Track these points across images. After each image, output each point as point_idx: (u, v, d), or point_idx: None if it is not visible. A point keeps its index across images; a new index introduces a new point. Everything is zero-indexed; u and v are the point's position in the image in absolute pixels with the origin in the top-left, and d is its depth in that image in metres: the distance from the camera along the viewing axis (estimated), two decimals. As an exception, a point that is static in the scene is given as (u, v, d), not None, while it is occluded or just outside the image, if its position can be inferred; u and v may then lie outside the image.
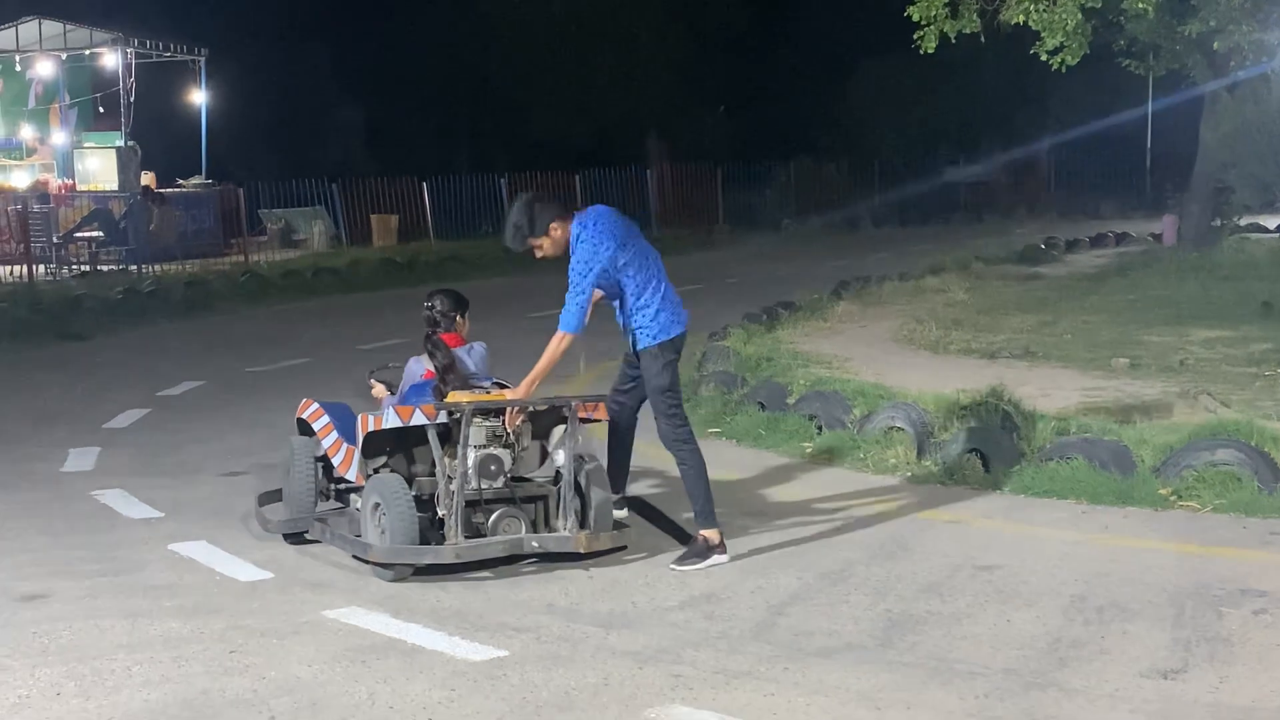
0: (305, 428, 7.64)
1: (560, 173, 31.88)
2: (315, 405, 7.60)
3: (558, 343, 6.90)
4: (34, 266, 22.21)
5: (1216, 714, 4.75)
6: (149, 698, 5.13)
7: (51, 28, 27.39)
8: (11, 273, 22.03)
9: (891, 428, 9.08)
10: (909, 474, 8.65)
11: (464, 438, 6.78)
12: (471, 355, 7.36)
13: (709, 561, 6.88)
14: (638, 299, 7.02)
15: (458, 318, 7.42)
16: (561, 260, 7.07)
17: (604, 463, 7.24)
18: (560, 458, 7.08)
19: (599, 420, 7.29)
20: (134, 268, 23.65)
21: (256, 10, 37.99)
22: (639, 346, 7.07)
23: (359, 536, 6.96)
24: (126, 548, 7.42)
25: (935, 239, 27.55)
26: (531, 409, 7.06)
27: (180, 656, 5.59)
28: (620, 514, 7.28)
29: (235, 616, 6.13)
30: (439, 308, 7.37)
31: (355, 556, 6.94)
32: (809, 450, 9.46)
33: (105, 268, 23.99)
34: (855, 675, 5.23)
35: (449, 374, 7.18)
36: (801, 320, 15.24)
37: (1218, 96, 22.63)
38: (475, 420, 6.85)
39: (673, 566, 6.85)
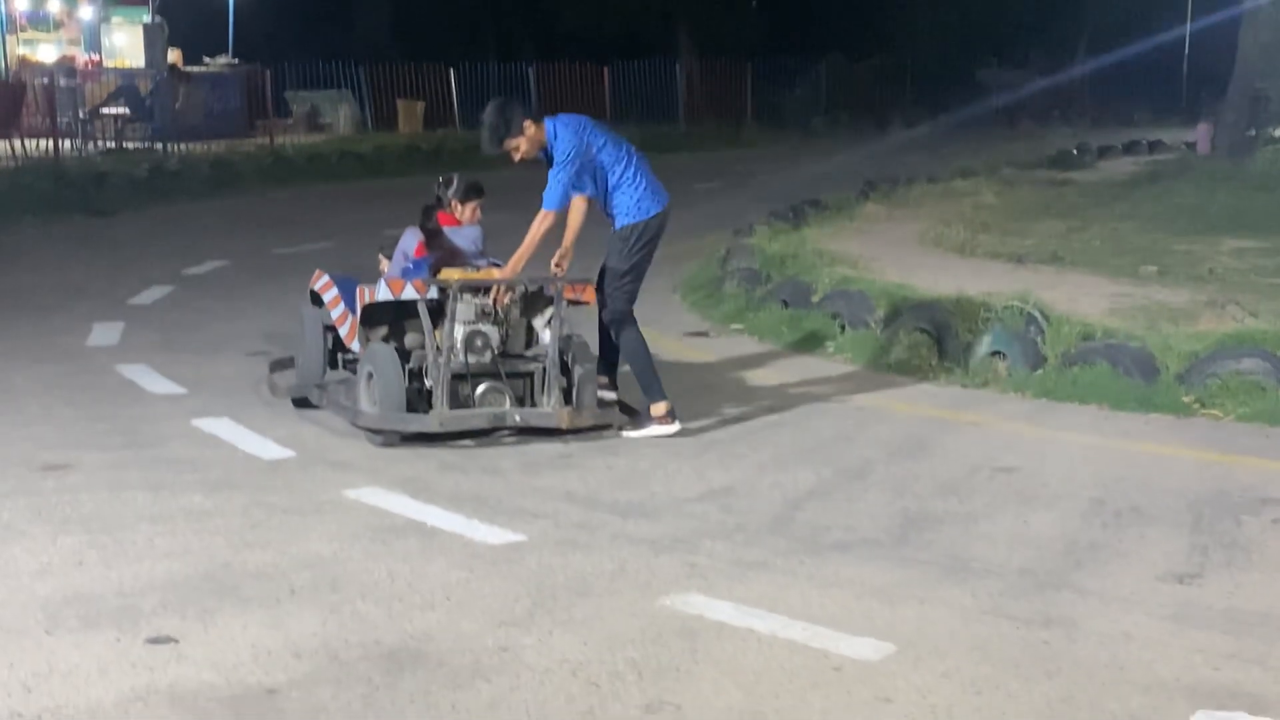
0: (316, 299, 7.90)
1: (588, 64, 31.57)
2: (326, 277, 7.84)
3: (540, 221, 7.19)
4: (60, 141, 22.15)
5: (1230, 619, 4.77)
6: (171, 568, 5.18)
7: (81, -99, 27.14)
8: (38, 146, 21.98)
9: (915, 328, 9.05)
10: (931, 375, 8.63)
11: (451, 313, 7.04)
12: (464, 234, 7.60)
13: (650, 430, 7.25)
14: (616, 181, 7.31)
15: (456, 201, 7.65)
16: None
17: (592, 344, 7.49)
18: (546, 336, 7.35)
19: (586, 303, 7.48)
20: (159, 146, 23.58)
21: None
22: (615, 228, 7.39)
23: (355, 404, 7.23)
24: (150, 422, 7.47)
25: (966, 142, 27.26)
26: (522, 289, 7.36)
27: (202, 529, 5.63)
28: (608, 395, 7.48)
29: (257, 493, 6.17)
30: (445, 188, 7.68)
31: (356, 425, 7.16)
32: (832, 349, 9.44)
33: (131, 145, 23.94)
34: (870, 570, 5.25)
35: (436, 241, 7.47)
36: (828, 220, 15.13)
37: (1258, 4, 22.23)
38: (464, 297, 7.17)
39: (623, 432, 7.24)
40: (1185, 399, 7.69)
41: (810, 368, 9.09)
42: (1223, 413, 7.53)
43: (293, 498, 6.11)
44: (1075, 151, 24.59)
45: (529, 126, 7.27)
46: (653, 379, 7.36)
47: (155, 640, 4.50)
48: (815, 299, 10.15)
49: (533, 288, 7.44)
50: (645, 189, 7.39)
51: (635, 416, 7.43)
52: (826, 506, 6.08)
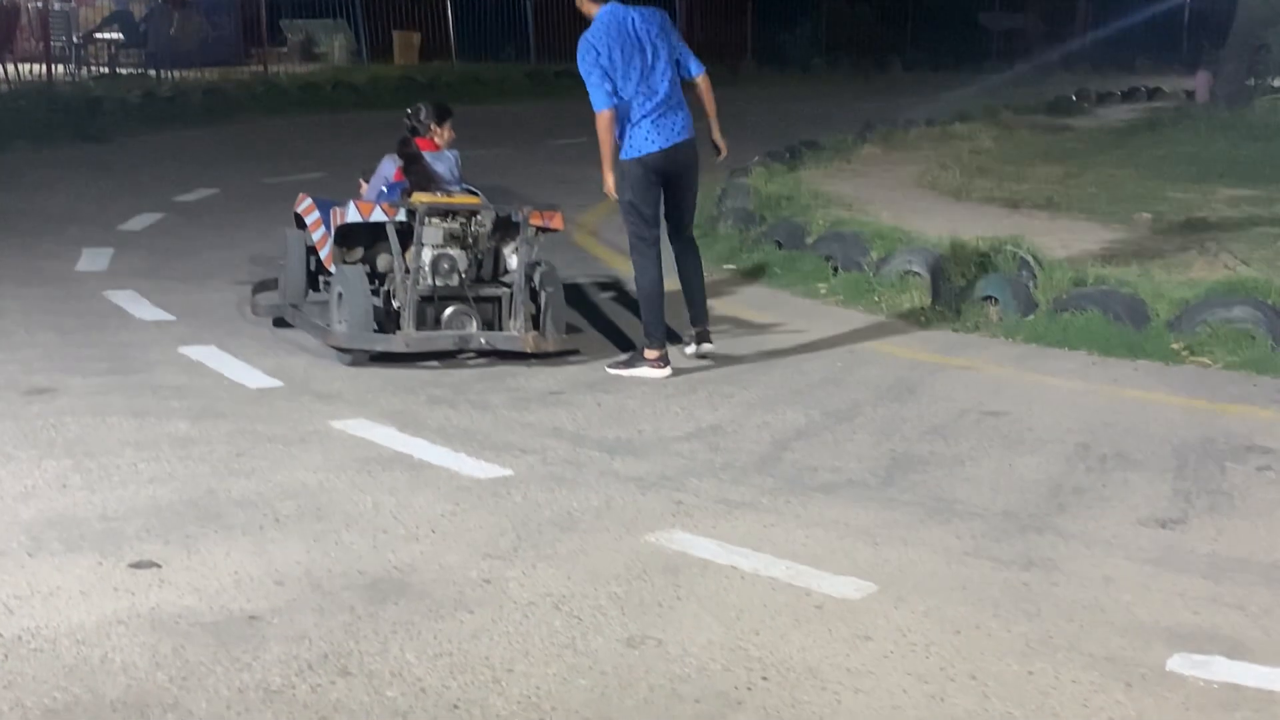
0: (300, 222, 8.10)
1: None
2: (309, 200, 8.05)
3: (598, 123, 7.19)
4: (53, 66, 21.98)
5: (1213, 563, 4.78)
6: (154, 494, 5.18)
7: None
8: (31, 71, 21.82)
9: (908, 271, 9.03)
10: (923, 319, 8.62)
11: (418, 236, 7.23)
12: (442, 160, 7.79)
13: (636, 370, 7.27)
14: (626, 113, 7.28)
15: (433, 125, 7.84)
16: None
17: (557, 269, 7.70)
18: (514, 262, 7.50)
19: (555, 229, 7.69)
20: (153, 72, 23.40)
21: None
22: (621, 157, 7.38)
23: (328, 325, 7.45)
24: (137, 348, 7.45)
25: (966, 85, 27.10)
26: (492, 214, 7.55)
27: (187, 456, 5.63)
28: (708, 347, 7.57)
29: (243, 421, 6.16)
30: (419, 115, 7.84)
31: (325, 343, 7.37)
32: (824, 290, 9.42)
33: (124, 70, 23.75)
34: (855, 510, 5.26)
35: (414, 172, 7.63)
36: (824, 161, 15.08)
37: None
38: (432, 221, 7.32)
39: (607, 368, 7.32)
40: (1174, 346, 7.69)
41: (802, 309, 9.07)
42: (1211, 360, 7.53)
43: (279, 427, 6.10)
44: (1074, 97, 24.50)
45: (585, 4, 7.45)
46: (655, 320, 7.32)
47: (138, 565, 4.51)
48: (809, 240, 10.12)
49: (501, 214, 7.60)
50: (646, 131, 7.30)
51: (630, 353, 7.43)
52: (814, 447, 6.09)
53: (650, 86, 7.31)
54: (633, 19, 7.34)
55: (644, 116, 7.30)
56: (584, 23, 7.47)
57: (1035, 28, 39.40)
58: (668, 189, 7.46)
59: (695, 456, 5.92)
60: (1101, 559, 4.81)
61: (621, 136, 7.30)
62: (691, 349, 7.62)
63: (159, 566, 4.50)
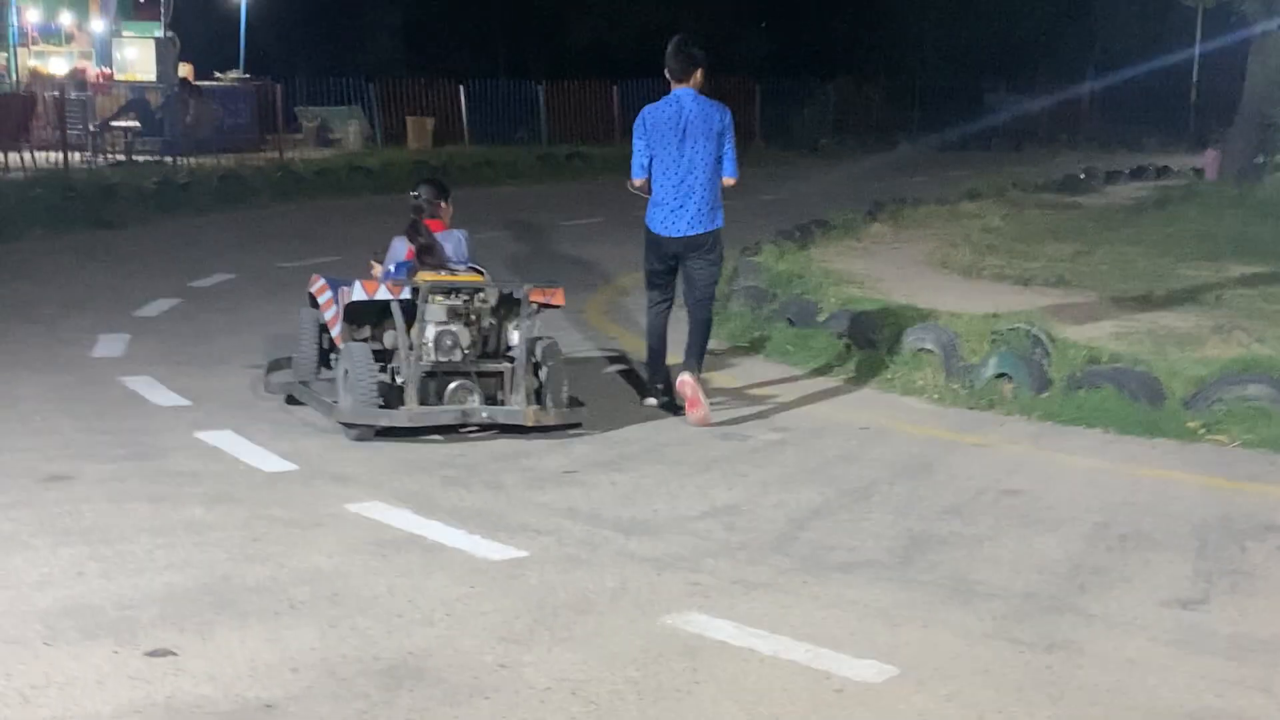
0: (314, 302, 8.28)
1: (598, 81, 31.61)
2: (322, 280, 8.25)
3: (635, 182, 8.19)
4: (70, 153, 22.19)
5: (1236, 645, 4.74)
6: (170, 580, 5.16)
7: (94, -87, 27.23)
8: (48, 159, 22.02)
9: (921, 349, 9.03)
10: (937, 396, 8.62)
11: (421, 314, 7.44)
12: (450, 239, 8.03)
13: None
14: (654, 187, 8.12)
15: (441, 204, 8.15)
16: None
17: (561, 344, 7.99)
18: (515, 338, 7.68)
19: (556, 305, 7.98)
20: (169, 159, 23.61)
21: (300, -96, 37.65)
22: None
23: (336, 401, 7.60)
24: (152, 434, 7.46)
25: (973, 164, 27.28)
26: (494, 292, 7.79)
27: (202, 542, 5.62)
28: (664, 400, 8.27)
29: (258, 506, 6.15)
30: (424, 196, 8.10)
31: (331, 419, 7.54)
32: (836, 369, 9.42)
33: (141, 158, 23.96)
34: (873, 591, 5.23)
35: (427, 255, 7.85)
36: (834, 239, 15.13)
37: (1268, 31, 22.23)
38: (436, 298, 7.54)
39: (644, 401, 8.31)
40: (1191, 424, 7.66)
41: (816, 387, 9.07)
42: (1228, 438, 7.50)
43: (293, 511, 6.09)
44: (1082, 175, 24.59)
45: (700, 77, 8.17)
46: (649, 368, 8.44)
47: (154, 653, 4.49)
48: (821, 318, 10.14)
49: (504, 291, 7.79)
50: (658, 213, 8.13)
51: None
52: (830, 526, 6.06)
53: (678, 174, 8.02)
54: (690, 110, 8.03)
55: (663, 200, 8.06)
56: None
57: (1042, 107, 39.66)
58: (680, 266, 8.23)
59: (711, 536, 5.90)
60: (1124, 641, 4.77)
61: (648, 205, 8.13)
62: (650, 401, 8.37)
63: (175, 655, 4.48)
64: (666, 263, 8.19)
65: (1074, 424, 7.93)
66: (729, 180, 8.16)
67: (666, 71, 8.14)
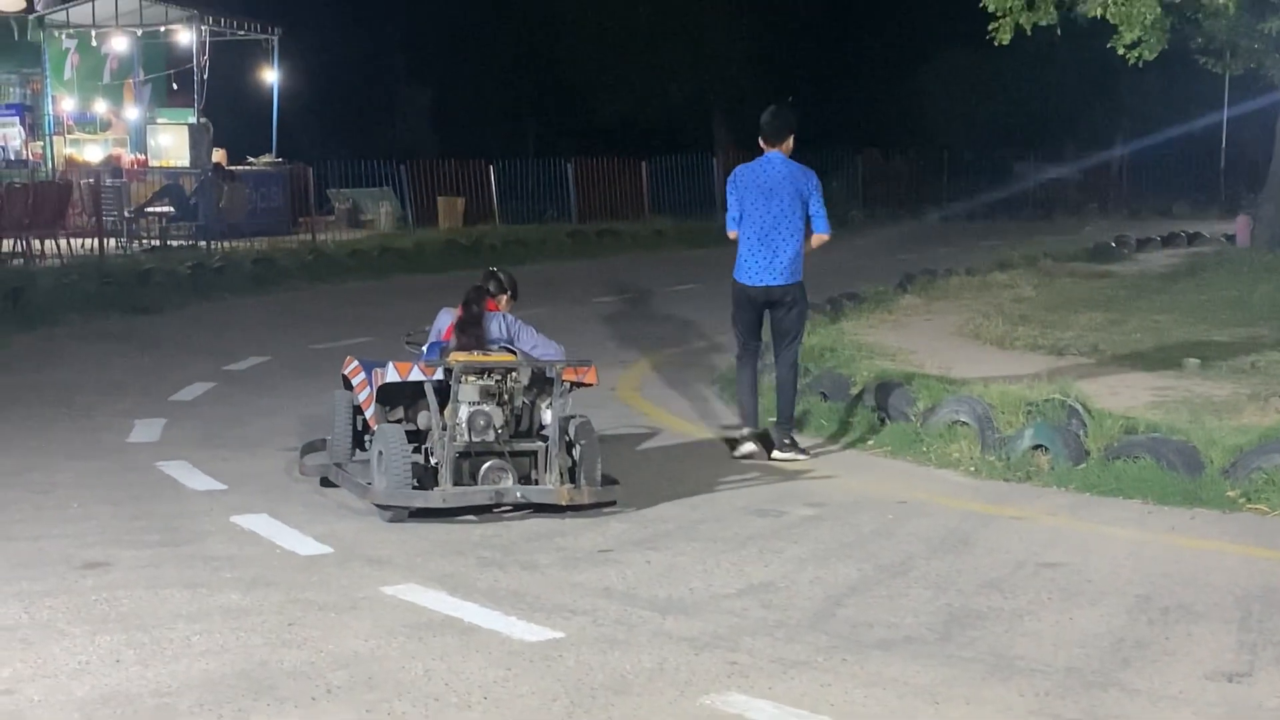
0: (347, 384, 8.34)
1: (627, 158, 31.82)
2: (355, 363, 8.31)
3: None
4: (105, 240, 22.42)
5: (1283, 720, 4.67)
6: (207, 667, 5.15)
7: (128, 3, 27.64)
8: (83, 245, 22.26)
9: (955, 421, 8.99)
10: (973, 469, 8.57)
11: (454, 394, 7.46)
12: (495, 319, 8.04)
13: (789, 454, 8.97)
14: (743, 240, 9.01)
15: (505, 295, 8.22)
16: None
17: (593, 422, 7.93)
18: (548, 417, 7.67)
19: (588, 384, 7.96)
20: (203, 243, 23.83)
21: (329, -9, 38.22)
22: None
23: (370, 483, 7.60)
24: (188, 519, 7.48)
25: (1004, 234, 27.27)
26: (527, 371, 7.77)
27: (239, 628, 5.61)
28: (776, 454, 8.93)
29: (294, 590, 6.15)
30: (497, 279, 8.28)
31: (366, 500, 7.56)
32: (871, 442, 9.39)
33: (175, 243, 24.20)
34: (914, 668, 5.17)
35: (472, 326, 7.87)
36: (866, 312, 15.13)
37: (1296, 96, 22.25)
38: (469, 379, 7.51)
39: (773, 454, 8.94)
40: (1230, 493, 7.59)
41: (850, 461, 9.04)
42: (1269, 507, 7.42)
43: (329, 594, 6.09)
44: (1113, 244, 24.55)
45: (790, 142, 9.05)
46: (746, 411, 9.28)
47: (191, 740, 4.47)
48: (854, 391, 10.12)
49: (536, 370, 7.78)
50: (743, 263, 9.04)
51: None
52: (868, 603, 6.01)
53: (764, 228, 8.87)
54: (778, 171, 8.95)
55: (750, 252, 8.94)
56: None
57: (1071, 175, 39.68)
58: (768, 315, 9.08)
59: (748, 614, 5.86)
60: (1169, 715, 4.70)
61: (736, 258, 8.99)
62: (743, 449, 9.01)
63: (212, 741, 4.47)
64: (750, 314, 9.09)
65: (1112, 495, 7.87)
66: (823, 236, 9.03)
67: (761, 137, 9.01)
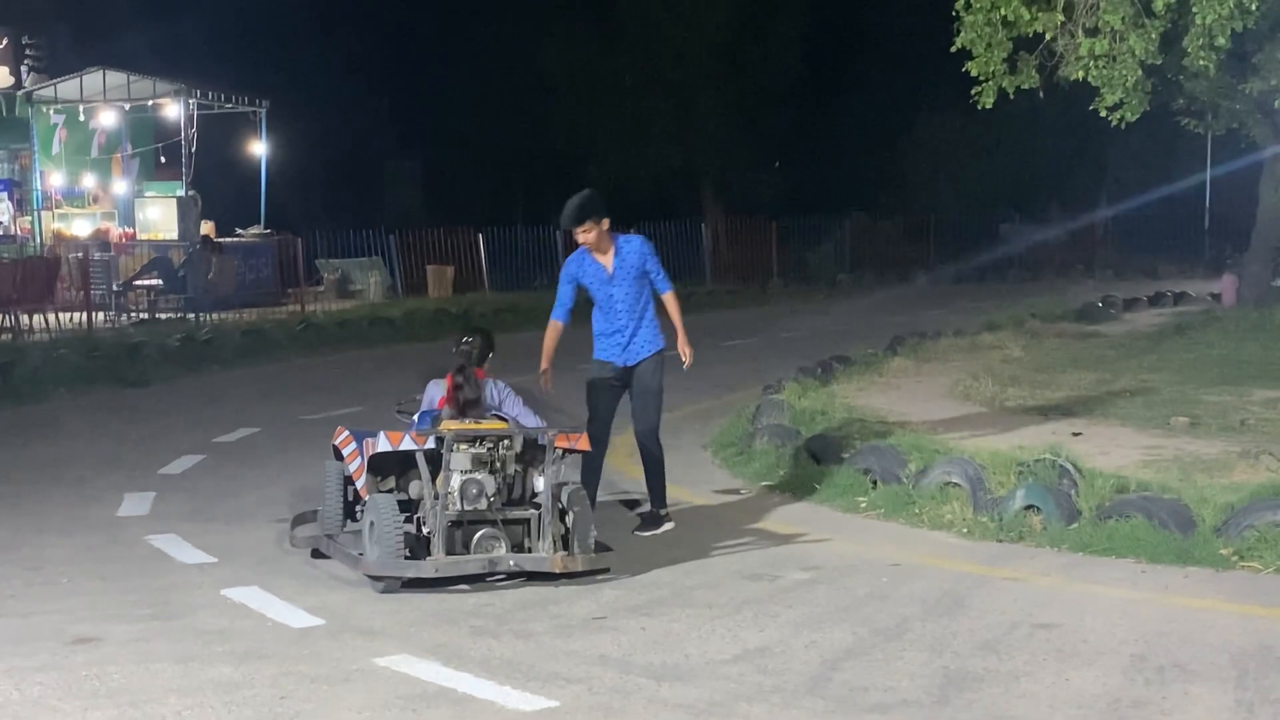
0: (339, 454, 8.26)
1: (615, 225, 31.89)
2: (346, 433, 8.23)
3: (673, 302, 8.96)
4: (94, 313, 22.43)
5: (1283, 779, 4.65)
6: (199, 742, 5.11)
7: (115, 78, 27.82)
8: (72, 319, 22.26)
9: (947, 483, 8.99)
10: (965, 530, 8.56)
11: (446, 463, 7.45)
12: (487, 387, 8.10)
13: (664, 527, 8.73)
14: (648, 311, 8.81)
15: (489, 355, 8.24)
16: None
17: (589, 489, 8.12)
18: (540, 484, 7.63)
19: (581, 451, 8.02)
20: (192, 316, 23.85)
21: (316, 63, 38.47)
22: (649, 353, 8.78)
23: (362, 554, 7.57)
24: (179, 592, 7.44)
25: (991, 296, 27.39)
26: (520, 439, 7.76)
27: (231, 702, 5.57)
28: (669, 526, 8.71)
29: (287, 662, 6.11)
30: (477, 345, 8.17)
31: (357, 571, 7.55)
32: (863, 504, 9.38)
33: (164, 315, 24.21)
34: (911, 732, 5.15)
35: (471, 407, 7.89)
36: (856, 375, 15.14)
37: (1278, 155, 22.42)
38: (460, 447, 7.51)
39: (638, 533, 8.64)
40: (1223, 551, 7.59)
41: (843, 524, 9.02)
42: (1262, 565, 7.42)
43: (322, 667, 6.05)
44: (1100, 304, 24.64)
45: (605, 222, 8.71)
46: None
47: (183, 816, 4.43)
48: (846, 455, 10.11)
49: (528, 437, 7.77)
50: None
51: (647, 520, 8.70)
52: (864, 666, 5.99)
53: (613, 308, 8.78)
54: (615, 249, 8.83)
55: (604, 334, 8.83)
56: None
57: (1057, 237, 39.87)
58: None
59: (744, 680, 5.83)
60: (1168, 775, 4.68)
61: (653, 330, 8.81)
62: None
63: (204, 817, 4.42)
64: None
65: (1105, 554, 7.86)
66: (668, 294, 8.98)
67: (606, 218, 8.81)
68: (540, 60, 41.13)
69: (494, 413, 8.00)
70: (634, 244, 8.84)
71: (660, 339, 8.85)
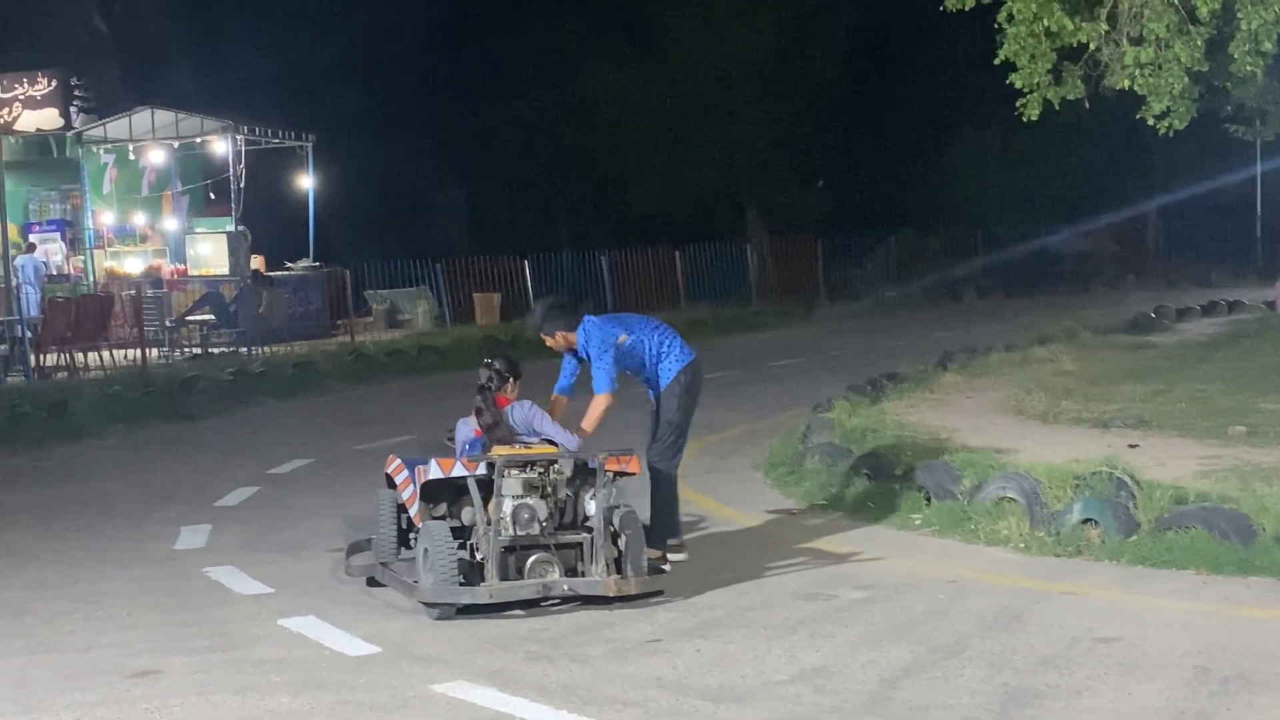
0: (391, 482, 8.31)
1: (660, 248, 31.98)
2: (398, 461, 8.27)
3: (598, 404, 8.30)
4: (147, 350, 22.61)
5: (1354, 789, 4.57)
6: (259, 772, 5.13)
7: (164, 117, 28.07)
8: (126, 356, 22.46)
9: (1003, 498, 8.93)
10: (1022, 545, 8.49)
11: (498, 488, 7.46)
12: (515, 412, 8.09)
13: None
14: (657, 350, 8.65)
15: (510, 381, 8.20)
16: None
17: (636, 511, 7.89)
18: (591, 508, 7.64)
19: (631, 473, 7.94)
20: (244, 349, 24.01)
21: (361, 96, 38.72)
22: (661, 387, 8.65)
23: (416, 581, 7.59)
24: (237, 623, 7.48)
25: (1041, 309, 27.22)
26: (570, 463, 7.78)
27: (290, 731, 5.59)
28: (680, 556, 8.46)
29: (344, 691, 6.13)
30: (495, 373, 8.14)
31: (412, 599, 7.55)
32: (918, 522, 9.32)
33: (216, 350, 24.38)
34: (972, 750, 5.10)
35: (495, 430, 7.92)
36: (907, 391, 15.06)
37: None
38: (511, 472, 7.53)
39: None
40: (1285, 560, 7.49)
41: (898, 542, 8.97)
42: (1325, 573, 7.32)
43: (379, 694, 6.06)
44: (1153, 314, 24.44)
45: (563, 336, 8.58)
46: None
47: (245, 847, 4.44)
48: (899, 472, 10.06)
49: (579, 461, 7.80)
50: (680, 346, 8.74)
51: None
52: (923, 684, 5.94)
53: (663, 324, 8.91)
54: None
55: (675, 341, 8.78)
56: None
57: (1106, 248, 39.59)
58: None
59: (802, 700, 5.80)
60: (1236, 788, 4.61)
61: (665, 366, 8.69)
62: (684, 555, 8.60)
63: (266, 847, 4.43)
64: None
65: (1165, 566, 7.78)
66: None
67: (560, 334, 8.62)
68: (581, 87, 41.23)
69: (544, 437, 8.01)
70: (582, 336, 8.54)
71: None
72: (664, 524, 8.53)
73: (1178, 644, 6.37)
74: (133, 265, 28.78)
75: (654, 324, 8.88)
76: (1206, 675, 5.88)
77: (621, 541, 7.63)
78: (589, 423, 8.23)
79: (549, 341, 8.69)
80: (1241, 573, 7.51)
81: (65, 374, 20.66)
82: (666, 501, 8.61)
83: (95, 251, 28.75)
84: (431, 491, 7.86)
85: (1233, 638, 6.43)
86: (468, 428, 8.12)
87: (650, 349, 8.67)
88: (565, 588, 7.43)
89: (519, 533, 7.50)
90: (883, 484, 10.02)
